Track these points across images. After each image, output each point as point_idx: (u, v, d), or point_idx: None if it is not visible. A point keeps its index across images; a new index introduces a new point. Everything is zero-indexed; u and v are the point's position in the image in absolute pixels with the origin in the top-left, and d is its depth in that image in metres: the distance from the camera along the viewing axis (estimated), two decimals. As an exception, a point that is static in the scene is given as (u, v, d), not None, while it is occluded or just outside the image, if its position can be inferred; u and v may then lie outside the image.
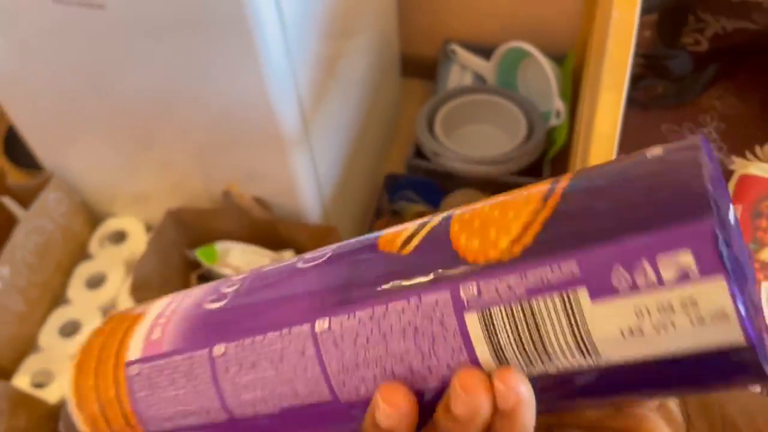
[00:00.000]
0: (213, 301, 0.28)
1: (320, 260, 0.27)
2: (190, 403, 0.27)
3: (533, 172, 1.13)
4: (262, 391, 0.25)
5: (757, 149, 0.69)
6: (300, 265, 0.27)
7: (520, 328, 0.22)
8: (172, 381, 0.27)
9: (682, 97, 0.73)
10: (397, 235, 0.26)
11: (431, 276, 0.23)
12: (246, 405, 0.26)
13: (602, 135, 0.56)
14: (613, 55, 0.56)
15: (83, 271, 1.01)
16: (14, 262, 0.89)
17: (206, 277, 0.97)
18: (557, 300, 0.21)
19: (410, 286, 0.24)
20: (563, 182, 0.23)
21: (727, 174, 0.67)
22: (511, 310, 0.22)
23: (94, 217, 1.07)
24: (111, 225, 1.06)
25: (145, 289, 0.86)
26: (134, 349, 0.29)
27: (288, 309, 0.26)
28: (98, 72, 0.80)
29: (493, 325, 0.22)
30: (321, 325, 0.24)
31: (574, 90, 1.18)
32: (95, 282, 1.00)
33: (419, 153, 1.18)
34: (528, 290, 0.21)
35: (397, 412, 0.22)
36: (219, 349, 0.26)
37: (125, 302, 0.96)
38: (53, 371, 0.91)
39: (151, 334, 0.29)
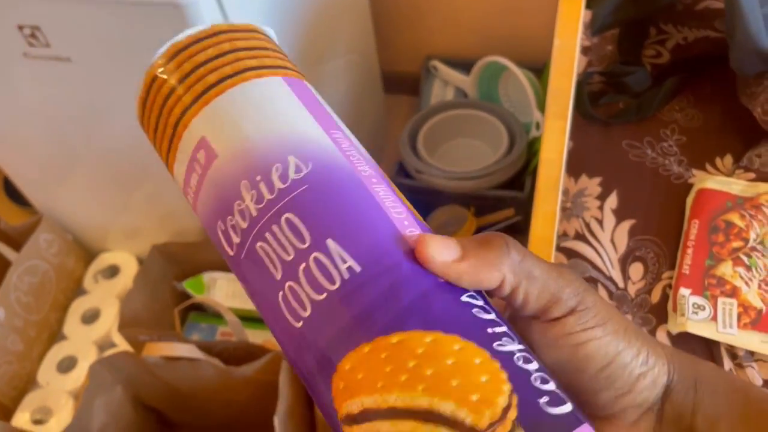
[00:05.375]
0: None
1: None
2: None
3: (515, 184, 1.14)
4: None
5: (717, 161, 0.70)
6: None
7: None
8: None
9: (642, 113, 0.74)
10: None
11: None
12: None
13: (548, 162, 0.58)
14: (555, 82, 0.58)
15: (78, 306, 1.04)
16: (9, 303, 0.92)
17: (197, 308, 0.99)
18: None
19: None
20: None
21: (687, 187, 0.68)
22: None
23: (87, 254, 1.10)
24: (105, 260, 1.09)
25: (133, 325, 0.88)
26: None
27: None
28: (80, 118, 0.83)
29: None
30: None
31: (553, 100, 1.19)
32: (90, 317, 1.03)
33: (404, 170, 1.19)
34: None
35: None
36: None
37: (118, 336, 0.99)
38: (52, 407, 0.94)
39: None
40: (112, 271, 1.09)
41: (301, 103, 0.29)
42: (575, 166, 0.72)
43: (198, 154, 0.28)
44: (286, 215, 0.25)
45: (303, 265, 0.25)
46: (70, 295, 1.05)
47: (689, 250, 0.61)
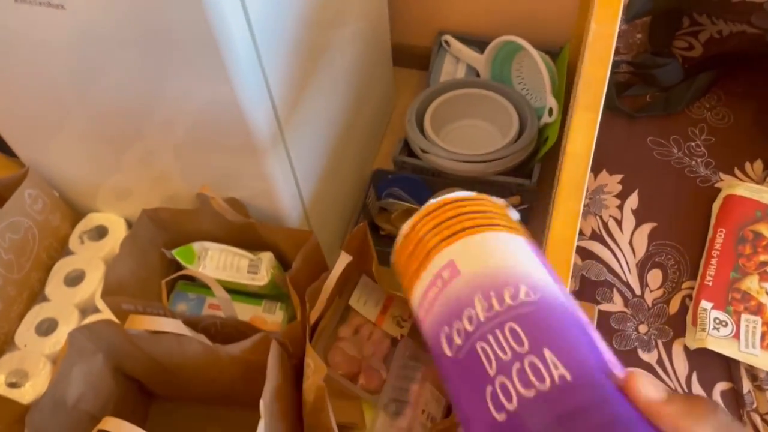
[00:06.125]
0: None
1: None
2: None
3: (522, 171, 1.10)
4: None
5: (747, 166, 0.66)
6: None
7: None
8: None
9: (670, 108, 0.70)
10: None
11: None
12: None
13: (575, 156, 0.53)
14: (588, 72, 0.53)
15: (62, 267, 0.99)
16: (-12, 260, 0.88)
17: (185, 276, 0.95)
18: None
19: None
20: None
21: (713, 192, 0.64)
22: None
23: (74, 213, 1.05)
24: (92, 220, 1.05)
25: (118, 292, 0.84)
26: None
27: None
28: (72, 71, 0.78)
29: None
30: None
31: (568, 85, 1.14)
32: (74, 279, 0.99)
33: (408, 149, 1.15)
34: None
35: None
36: None
37: (100, 301, 0.95)
38: (28, 371, 0.90)
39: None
40: (100, 233, 1.04)
41: (533, 253, 0.37)
42: (595, 161, 0.68)
43: (443, 272, 0.36)
44: (510, 324, 0.31)
45: (518, 365, 0.30)
46: (53, 255, 1.01)
47: (713, 261, 0.57)
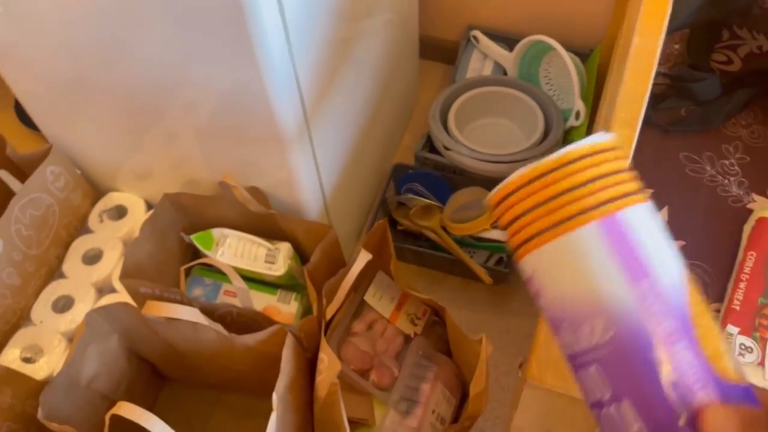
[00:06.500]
0: None
1: None
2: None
3: (547, 173, 1.09)
4: None
5: (782, 188, 0.65)
6: None
7: None
8: None
9: (706, 123, 0.69)
10: None
11: None
12: None
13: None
14: (629, 87, 0.52)
15: (80, 245, 1.00)
16: (9, 235, 0.88)
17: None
18: None
19: None
20: None
21: (745, 213, 0.63)
22: None
23: (95, 191, 1.05)
24: (112, 199, 1.05)
25: (136, 274, 0.84)
26: None
27: None
28: (100, 46, 0.77)
29: None
30: None
31: (597, 89, 1.13)
32: (92, 258, 1.00)
33: (431, 144, 1.14)
34: None
35: None
36: None
37: (118, 282, 0.95)
38: (43, 347, 0.91)
39: None
40: (119, 212, 1.04)
41: (613, 257, 0.31)
42: (626, 173, 0.67)
43: (530, 284, 0.33)
44: (596, 366, 0.31)
45: (606, 410, 0.30)
46: (73, 233, 1.01)
47: (742, 284, 0.56)
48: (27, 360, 0.90)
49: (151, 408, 0.97)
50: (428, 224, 1.08)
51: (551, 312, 0.32)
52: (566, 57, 1.07)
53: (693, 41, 0.76)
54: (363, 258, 0.78)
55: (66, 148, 0.99)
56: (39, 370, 0.89)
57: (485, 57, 1.24)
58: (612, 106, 0.61)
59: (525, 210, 0.31)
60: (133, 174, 1.01)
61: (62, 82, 0.86)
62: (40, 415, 0.72)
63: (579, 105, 1.07)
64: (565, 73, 1.11)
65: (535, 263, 0.32)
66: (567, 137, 1.10)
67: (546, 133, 1.10)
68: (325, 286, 0.79)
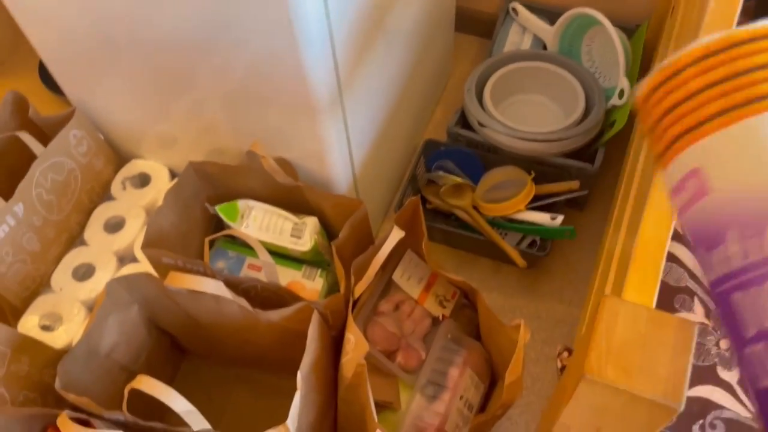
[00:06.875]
0: None
1: None
2: None
3: (584, 154, 1.04)
4: None
5: None
6: None
7: None
8: None
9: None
10: None
11: None
12: None
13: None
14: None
15: (102, 212, 0.97)
16: (29, 199, 0.86)
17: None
18: None
19: None
20: None
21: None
22: None
23: (118, 157, 1.03)
24: (135, 166, 1.02)
25: (158, 244, 0.82)
26: None
27: None
28: (126, 8, 0.74)
29: None
30: None
31: (643, 67, 1.07)
32: (114, 226, 0.97)
33: (464, 120, 1.09)
34: None
35: None
36: None
37: (139, 251, 0.93)
38: (62, 315, 0.89)
39: None
40: (142, 180, 1.02)
41: None
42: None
43: (688, 183, 0.27)
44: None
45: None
46: (95, 199, 0.98)
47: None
48: (46, 328, 0.88)
49: (170, 381, 0.95)
50: (459, 203, 1.04)
51: (717, 217, 0.26)
52: (612, 32, 1.01)
53: (760, 14, 0.70)
54: (395, 236, 0.75)
55: (90, 111, 0.96)
56: (57, 339, 0.87)
57: (524, 30, 1.19)
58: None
59: (692, 93, 0.26)
60: (158, 141, 0.98)
61: (87, 41, 0.82)
62: (57, 385, 0.70)
63: (623, 83, 1.02)
64: (609, 49, 1.06)
65: (700, 156, 0.26)
66: (608, 116, 1.05)
67: (586, 112, 1.05)
68: (353, 263, 0.75)
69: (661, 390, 0.37)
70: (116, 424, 0.73)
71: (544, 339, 0.99)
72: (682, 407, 0.37)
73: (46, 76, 1.25)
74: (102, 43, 0.81)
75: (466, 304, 0.92)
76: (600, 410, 0.41)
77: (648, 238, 0.47)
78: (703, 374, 0.54)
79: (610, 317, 0.40)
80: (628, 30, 1.10)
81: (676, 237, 0.58)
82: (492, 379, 0.86)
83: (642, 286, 0.45)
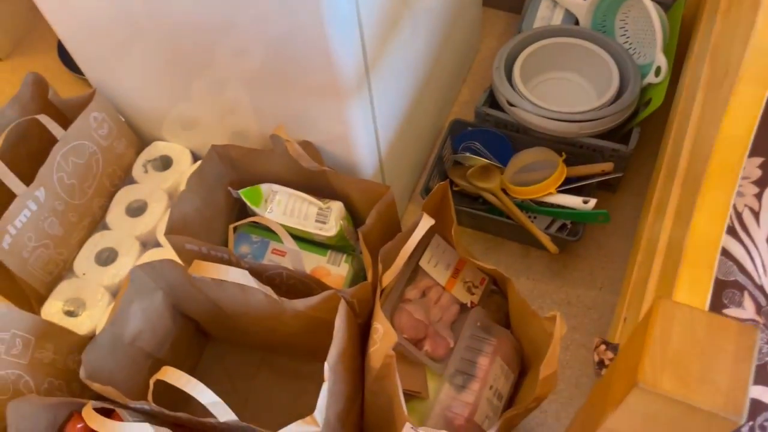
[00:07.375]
0: None
1: None
2: None
3: (618, 134, 1.00)
4: None
5: None
6: None
7: None
8: None
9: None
10: None
11: None
12: None
13: (732, 139, 0.45)
14: (762, 39, 0.44)
15: (124, 196, 0.96)
16: (51, 184, 0.85)
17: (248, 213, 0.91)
18: None
19: None
20: None
21: None
22: None
23: (139, 140, 1.01)
24: (157, 149, 1.01)
25: (182, 229, 0.80)
26: None
27: None
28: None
29: None
30: None
31: (681, 44, 1.02)
32: (136, 210, 0.96)
33: (492, 100, 1.06)
34: None
35: None
36: None
37: (162, 236, 0.91)
38: (86, 300, 0.88)
39: None
40: (164, 163, 1.00)
41: None
42: (732, 139, 0.59)
43: None
44: None
45: None
46: (117, 183, 0.97)
47: None
48: (69, 313, 0.88)
49: (195, 366, 0.94)
50: (487, 186, 1.01)
51: None
52: (650, 5, 0.97)
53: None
54: (425, 223, 0.72)
55: (110, 93, 0.95)
56: (81, 325, 0.86)
57: (555, 5, 1.14)
58: (719, 60, 0.53)
59: None
60: (179, 123, 0.96)
61: (107, 20, 0.80)
62: (82, 374, 0.69)
63: (660, 60, 0.97)
64: (645, 24, 1.01)
65: None
66: (644, 95, 1.01)
67: (621, 91, 1.01)
68: (381, 251, 0.73)
69: (721, 402, 0.35)
70: (141, 413, 0.72)
71: (574, 326, 0.96)
72: (743, 420, 0.35)
73: (65, 55, 1.24)
74: (121, 21, 0.79)
75: (495, 290, 0.90)
76: (652, 419, 0.38)
77: (701, 233, 0.44)
78: (755, 374, 0.51)
79: (665, 322, 0.37)
80: (665, 4, 1.05)
81: (726, 229, 0.54)
82: (521, 368, 0.83)
83: (695, 286, 0.42)
